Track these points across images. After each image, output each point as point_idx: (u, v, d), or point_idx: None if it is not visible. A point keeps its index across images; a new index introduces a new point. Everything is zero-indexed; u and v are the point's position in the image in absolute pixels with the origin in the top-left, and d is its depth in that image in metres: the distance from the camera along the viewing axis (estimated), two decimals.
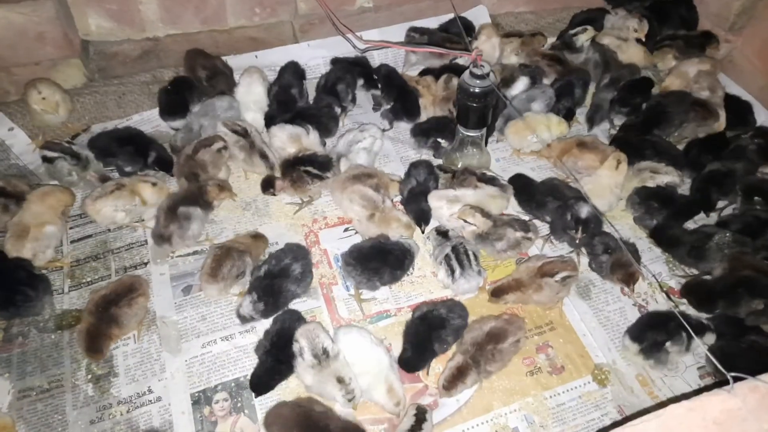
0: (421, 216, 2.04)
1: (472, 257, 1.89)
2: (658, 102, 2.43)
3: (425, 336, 1.74)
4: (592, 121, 2.49)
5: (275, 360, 1.69)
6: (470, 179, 2.10)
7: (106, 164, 2.22)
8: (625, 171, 2.12)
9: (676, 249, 2.04)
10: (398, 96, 2.44)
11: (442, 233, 2.01)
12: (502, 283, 1.88)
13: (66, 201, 2.05)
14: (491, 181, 2.10)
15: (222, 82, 2.42)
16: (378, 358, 1.67)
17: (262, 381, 1.69)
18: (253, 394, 1.69)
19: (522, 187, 2.17)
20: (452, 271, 1.86)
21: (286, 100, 2.39)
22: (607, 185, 2.11)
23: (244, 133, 2.19)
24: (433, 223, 2.09)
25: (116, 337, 1.79)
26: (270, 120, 2.32)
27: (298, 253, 1.88)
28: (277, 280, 1.81)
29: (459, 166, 2.26)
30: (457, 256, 1.88)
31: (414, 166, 2.15)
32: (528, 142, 2.31)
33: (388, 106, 2.45)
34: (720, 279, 1.89)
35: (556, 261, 1.87)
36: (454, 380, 1.66)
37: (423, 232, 2.06)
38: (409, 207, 2.08)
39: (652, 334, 1.75)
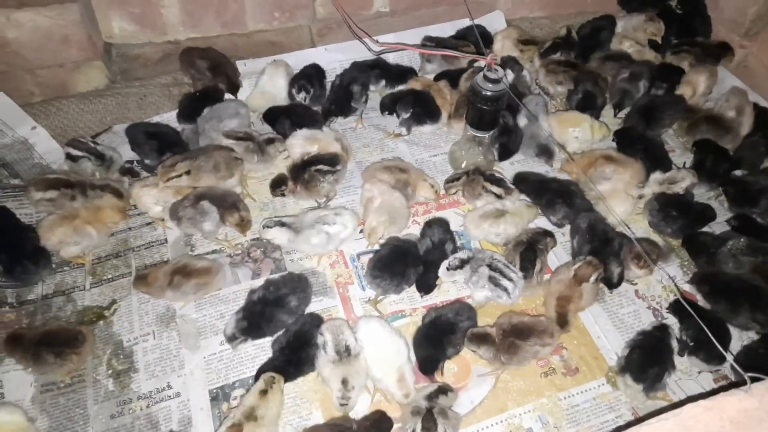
0: (423, 287, 1.94)
1: (510, 267, 1.87)
2: (651, 100, 2.49)
3: (438, 339, 1.76)
4: (620, 106, 2.52)
5: (286, 360, 1.72)
6: (477, 179, 2.12)
7: (133, 152, 2.30)
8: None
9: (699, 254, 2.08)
10: (415, 101, 2.43)
11: (458, 265, 1.91)
12: (556, 312, 1.83)
13: (116, 219, 2.08)
14: (498, 182, 2.12)
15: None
16: (397, 349, 1.71)
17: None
18: None
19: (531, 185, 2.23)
20: (506, 290, 1.83)
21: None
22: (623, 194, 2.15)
23: (249, 137, 2.21)
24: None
25: (28, 366, 1.74)
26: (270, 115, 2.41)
27: (297, 284, 1.85)
28: (269, 308, 1.79)
29: (463, 165, 2.30)
30: (502, 272, 1.84)
31: (429, 224, 2.04)
32: (569, 134, 2.35)
33: (407, 115, 2.43)
34: (735, 278, 1.94)
35: (582, 264, 1.86)
36: (476, 338, 1.73)
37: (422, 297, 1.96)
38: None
39: (654, 369, 1.71)
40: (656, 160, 2.29)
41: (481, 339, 1.74)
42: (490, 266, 1.86)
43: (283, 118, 2.36)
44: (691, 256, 2.10)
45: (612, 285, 1.95)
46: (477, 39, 2.49)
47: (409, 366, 1.70)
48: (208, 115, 2.33)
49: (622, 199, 2.13)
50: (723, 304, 1.89)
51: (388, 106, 2.47)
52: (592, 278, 1.84)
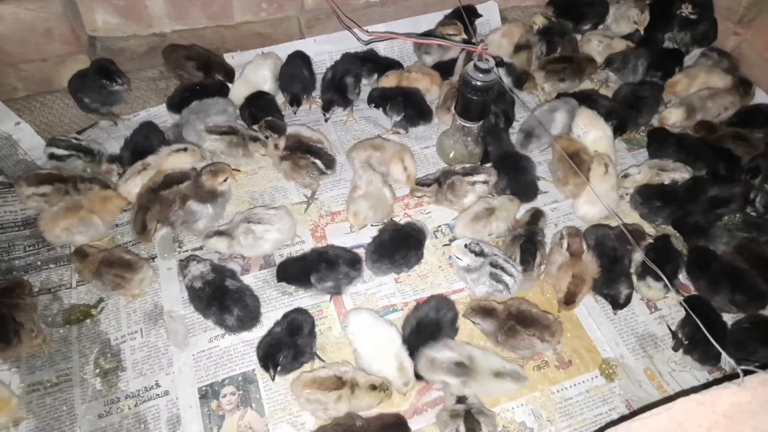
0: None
1: (510, 262, 1.85)
2: (632, 90, 2.46)
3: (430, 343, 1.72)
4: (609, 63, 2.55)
5: (291, 343, 1.70)
6: (458, 179, 2.08)
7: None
8: (615, 173, 2.12)
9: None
10: (405, 103, 2.36)
11: (477, 252, 1.87)
12: (568, 288, 1.82)
13: (122, 205, 2.08)
14: (475, 170, 2.10)
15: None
16: (390, 338, 1.71)
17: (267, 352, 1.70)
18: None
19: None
20: (506, 285, 1.82)
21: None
22: (603, 190, 2.06)
23: (232, 131, 2.17)
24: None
25: None
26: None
27: (249, 308, 1.81)
28: (236, 294, 1.80)
29: (451, 155, 2.28)
30: (503, 268, 1.83)
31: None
32: (580, 129, 2.31)
33: (399, 118, 2.38)
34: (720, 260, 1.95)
35: (568, 241, 1.86)
36: (481, 310, 1.76)
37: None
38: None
39: (669, 266, 1.87)
40: (697, 156, 2.23)
41: (487, 312, 1.77)
42: (491, 263, 1.84)
43: (244, 107, 2.34)
44: (684, 237, 2.08)
45: (617, 305, 1.89)
46: (467, 26, 2.45)
47: (406, 353, 1.69)
48: (196, 107, 2.28)
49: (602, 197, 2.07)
50: (703, 282, 1.92)
51: (376, 100, 2.42)
52: (585, 246, 1.85)
